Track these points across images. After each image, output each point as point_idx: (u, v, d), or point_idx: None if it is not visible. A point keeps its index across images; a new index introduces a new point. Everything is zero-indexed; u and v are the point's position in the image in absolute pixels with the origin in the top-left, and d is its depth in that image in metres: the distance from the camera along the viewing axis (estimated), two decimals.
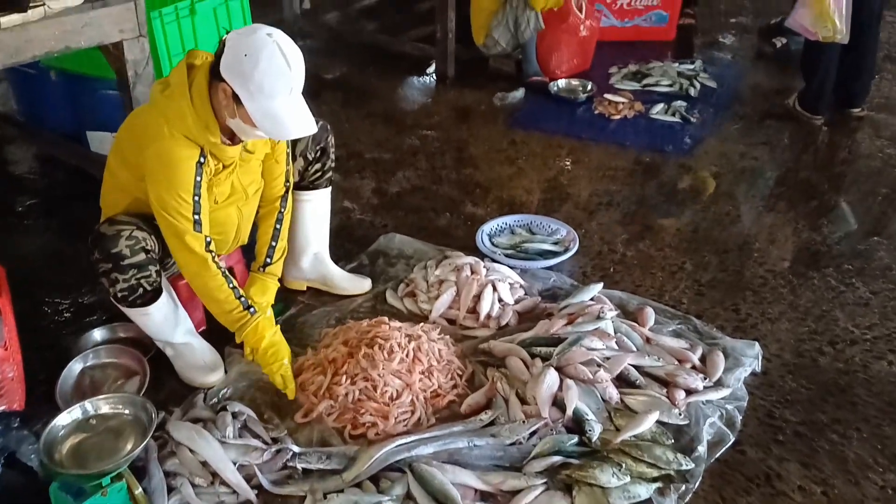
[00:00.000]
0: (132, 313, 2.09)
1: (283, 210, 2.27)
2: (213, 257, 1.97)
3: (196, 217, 1.93)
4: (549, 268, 2.69)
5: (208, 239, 1.97)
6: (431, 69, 4.41)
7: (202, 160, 1.94)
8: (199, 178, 1.93)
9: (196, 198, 1.92)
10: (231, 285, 2.00)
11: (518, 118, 3.91)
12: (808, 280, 2.66)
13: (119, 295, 2.02)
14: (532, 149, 3.62)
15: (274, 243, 2.25)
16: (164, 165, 1.90)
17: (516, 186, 3.30)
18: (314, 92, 4.19)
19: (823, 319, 2.47)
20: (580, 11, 4.18)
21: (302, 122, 1.91)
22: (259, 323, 2.02)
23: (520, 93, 4.10)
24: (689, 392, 2.09)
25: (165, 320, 2.11)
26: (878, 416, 2.10)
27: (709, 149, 3.59)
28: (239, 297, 2.01)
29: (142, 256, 1.98)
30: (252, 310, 2.02)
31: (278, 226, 2.27)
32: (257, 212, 2.28)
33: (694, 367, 2.19)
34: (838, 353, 2.32)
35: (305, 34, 4.77)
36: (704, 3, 5.25)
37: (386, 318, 2.19)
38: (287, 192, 2.27)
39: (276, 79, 1.82)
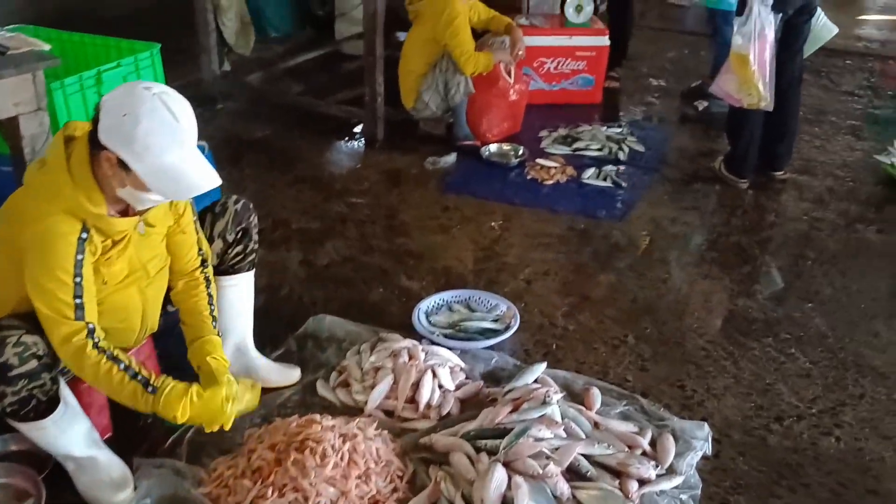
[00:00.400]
0: (25, 428, 1.85)
1: (207, 276, 2.09)
2: (96, 344, 1.75)
3: (78, 301, 1.72)
4: (491, 347, 2.59)
5: (91, 326, 1.75)
6: (360, 132, 4.32)
7: (84, 235, 1.74)
8: (80, 257, 1.73)
9: (77, 279, 1.72)
10: (122, 366, 1.76)
11: (451, 183, 3.84)
12: (749, 351, 2.64)
13: (8, 409, 1.78)
14: (466, 215, 3.55)
15: (213, 308, 2.06)
16: (40, 243, 1.71)
17: (451, 256, 3.21)
18: (236, 156, 4.08)
19: (768, 393, 2.43)
20: (509, 76, 4.18)
21: (202, 176, 1.76)
22: (165, 400, 1.77)
23: (451, 157, 4.04)
24: (642, 482, 2.00)
25: (64, 432, 1.88)
26: (831, 498, 2.05)
27: (641, 214, 3.59)
28: (135, 377, 1.77)
29: (33, 364, 1.75)
30: (151, 388, 1.77)
31: (209, 291, 2.07)
32: (168, 294, 2.09)
33: (644, 453, 2.11)
34: (786, 430, 2.28)
35: (226, 96, 4.62)
36: (628, 66, 5.34)
37: (317, 417, 2.02)
38: (205, 263, 2.10)
39: (163, 134, 1.68)
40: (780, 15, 3.48)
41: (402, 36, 4.49)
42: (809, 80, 5.07)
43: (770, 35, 3.45)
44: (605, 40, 4.70)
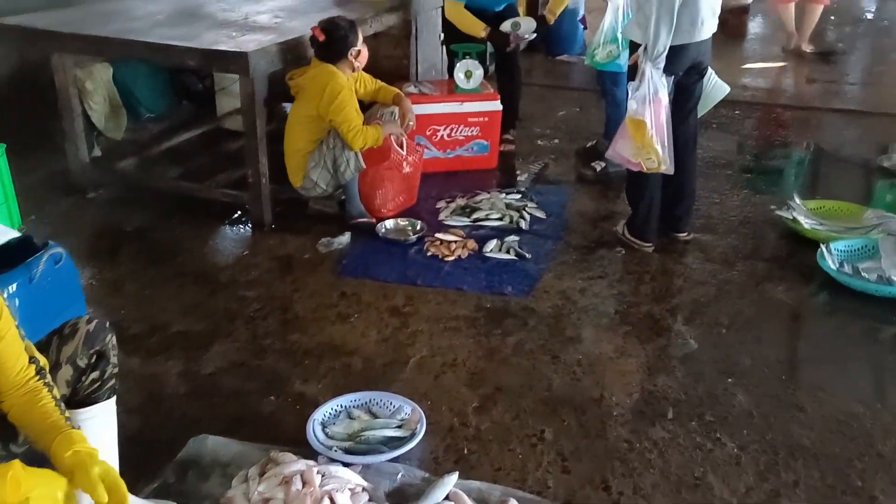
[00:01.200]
0: None
1: (47, 383, 1.74)
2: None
3: None
4: (396, 458, 2.32)
5: None
6: (246, 216, 4.02)
7: None
8: None
9: None
10: None
11: (347, 266, 3.58)
12: (674, 438, 2.46)
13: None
14: (365, 300, 3.30)
15: (62, 409, 1.73)
16: None
17: (350, 350, 2.94)
18: (110, 251, 3.71)
19: (699, 489, 2.25)
20: (401, 148, 3.99)
21: None
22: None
23: (346, 237, 3.79)
24: None
25: None
26: None
27: (548, 286, 3.42)
28: None
29: None
30: None
31: (54, 394, 1.74)
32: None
33: None
34: None
35: (97, 184, 4.24)
36: (521, 126, 5.26)
37: None
38: (42, 371, 1.76)
39: None
40: (672, 77, 3.44)
41: (287, 107, 4.26)
42: (701, 132, 5.11)
43: (664, 97, 3.40)
44: (496, 105, 4.60)
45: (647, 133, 3.40)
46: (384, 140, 3.85)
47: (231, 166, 4.21)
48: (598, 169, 4.62)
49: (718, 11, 3.50)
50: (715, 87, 3.78)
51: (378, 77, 4.12)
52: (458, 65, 4.55)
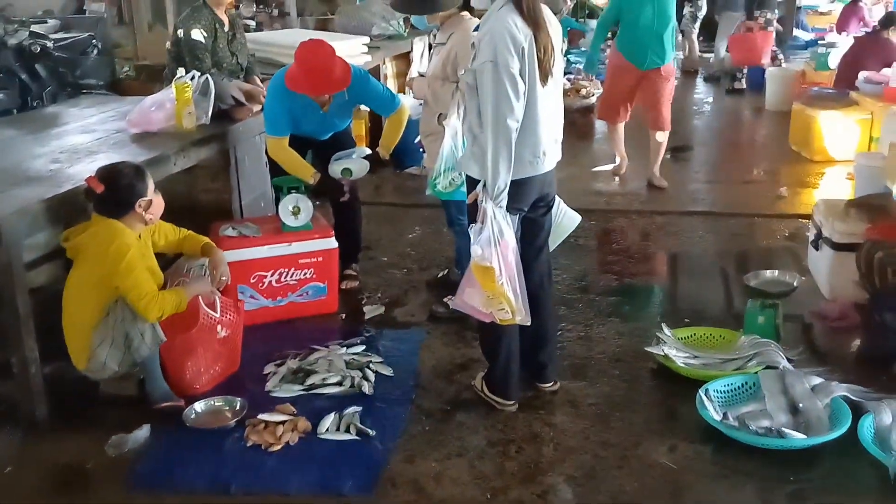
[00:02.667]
0: None
1: None
2: None
3: None
4: None
5: None
6: (11, 414, 3.16)
7: None
8: None
9: None
10: None
11: (142, 473, 2.84)
12: None
13: None
14: None
15: None
16: None
17: None
18: None
19: None
20: (213, 309, 3.33)
21: None
22: None
23: (144, 431, 3.03)
24: None
25: None
26: None
27: (396, 475, 2.81)
28: None
29: None
30: None
31: None
32: None
33: None
34: None
35: None
36: (367, 257, 4.73)
37: None
38: None
39: None
40: (517, 215, 3.01)
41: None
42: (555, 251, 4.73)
43: (511, 238, 2.94)
44: (331, 242, 4.03)
45: (495, 281, 2.92)
46: (189, 304, 3.18)
47: None
48: (452, 304, 4.10)
49: (561, 138, 3.13)
50: (565, 216, 3.39)
51: (197, 214, 3.57)
52: (283, 201, 3.98)
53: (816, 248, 4.27)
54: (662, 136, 6.15)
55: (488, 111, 2.83)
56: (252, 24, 7.79)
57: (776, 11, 11.13)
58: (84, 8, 9.49)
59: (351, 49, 6.01)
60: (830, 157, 6.74)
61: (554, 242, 3.37)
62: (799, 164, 6.84)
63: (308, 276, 4.00)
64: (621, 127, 6.44)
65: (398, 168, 6.58)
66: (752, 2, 10.85)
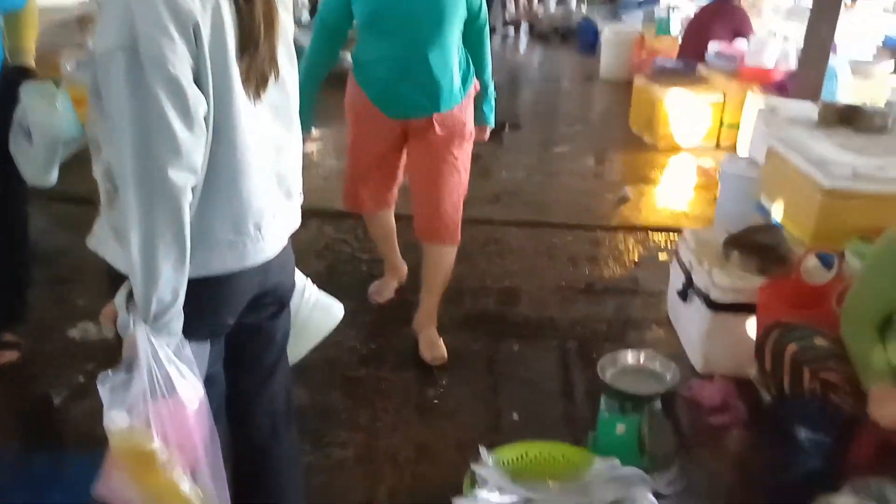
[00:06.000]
0: None
1: None
2: None
3: None
4: None
5: None
6: None
7: None
8: None
9: None
10: None
11: None
12: None
13: None
14: None
15: None
16: None
17: None
18: None
19: None
20: None
21: None
22: None
23: None
24: None
25: None
26: None
27: None
28: None
29: None
30: None
31: None
32: None
33: None
34: None
35: None
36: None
37: None
38: None
39: None
40: (214, 338, 1.60)
41: None
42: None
43: (192, 388, 1.51)
44: None
45: (158, 468, 1.50)
46: None
47: None
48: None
49: (299, 189, 1.70)
50: (316, 308, 1.96)
51: None
52: None
53: (684, 300, 3.17)
54: (449, 257, 3.10)
55: (126, 150, 1.36)
56: None
57: None
58: None
59: None
60: (676, 144, 5.77)
61: (297, 354, 1.96)
62: (642, 151, 5.80)
63: None
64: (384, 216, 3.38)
65: None
66: None
